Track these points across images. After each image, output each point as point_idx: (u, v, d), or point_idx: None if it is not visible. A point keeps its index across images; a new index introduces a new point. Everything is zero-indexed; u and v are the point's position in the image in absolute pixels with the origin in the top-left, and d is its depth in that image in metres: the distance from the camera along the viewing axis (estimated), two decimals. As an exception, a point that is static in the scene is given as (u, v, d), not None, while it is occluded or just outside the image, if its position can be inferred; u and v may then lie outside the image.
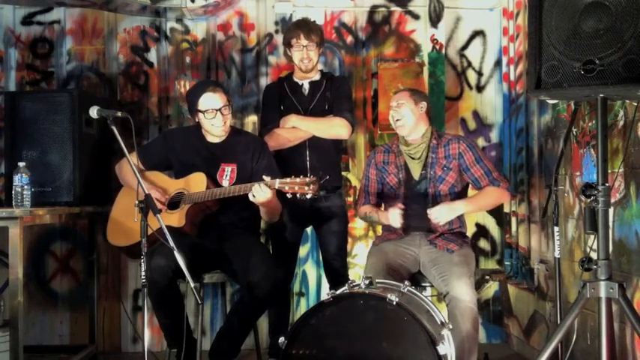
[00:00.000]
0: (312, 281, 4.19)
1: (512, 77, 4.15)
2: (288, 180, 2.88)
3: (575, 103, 2.94)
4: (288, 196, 2.91)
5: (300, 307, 4.16)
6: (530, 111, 3.96)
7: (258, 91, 4.13)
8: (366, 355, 2.45)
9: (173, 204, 3.15)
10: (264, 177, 2.93)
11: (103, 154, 3.73)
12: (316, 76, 3.55)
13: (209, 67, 4.20)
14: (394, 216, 3.05)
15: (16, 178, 3.05)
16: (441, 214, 3.00)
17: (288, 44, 3.50)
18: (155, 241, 2.76)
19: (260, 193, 2.92)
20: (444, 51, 4.21)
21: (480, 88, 4.32)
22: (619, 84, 2.29)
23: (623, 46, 2.27)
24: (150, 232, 2.62)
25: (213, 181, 3.18)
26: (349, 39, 4.26)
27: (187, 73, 4.20)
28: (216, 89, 3.19)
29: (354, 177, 4.23)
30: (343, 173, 4.14)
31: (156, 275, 2.87)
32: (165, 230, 2.57)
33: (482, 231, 4.26)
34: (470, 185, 3.26)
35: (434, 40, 4.19)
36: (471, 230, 4.13)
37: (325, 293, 2.68)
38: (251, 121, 4.18)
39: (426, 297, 2.76)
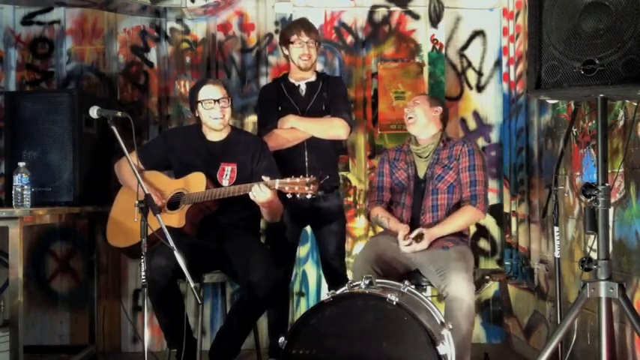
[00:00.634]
0: (312, 281, 4.19)
1: (512, 77, 4.15)
2: (288, 180, 2.88)
3: (575, 103, 2.94)
4: (289, 196, 2.91)
5: (300, 307, 4.16)
6: (530, 111, 3.96)
7: (259, 91, 4.13)
8: (366, 355, 2.46)
9: (172, 204, 3.15)
10: (263, 177, 2.93)
11: (103, 154, 3.73)
12: (312, 77, 3.55)
13: (209, 67, 4.19)
14: (402, 244, 3.07)
15: (16, 178, 3.05)
16: (417, 247, 3.04)
17: (287, 41, 3.49)
18: (155, 242, 2.76)
19: (260, 193, 2.92)
20: (444, 51, 4.21)
21: (479, 88, 4.32)
22: (619, 84, 2.29)
23: (623, 46, 2.27)
24: (150, 232, 2.62)
25: (213, 181, 3.18)
26: (349, 39, 4.26)
27: (187, 73, 4.20)
28: (216, 82, 3.27)
29: (354, 177, 4.23)
30: (343, 173, 4.15)
31: (156, 275, 2.87)
32: (166, 230, 2.58)
33: (482, 231, 4.26)
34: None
35: (434, 40, 4.19)
36: (471, 230, 4.12)
37: (325, 293, 2.68)
38: (251, 121, 4.18)
39: (426, 297, 2.77)
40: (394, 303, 2.42)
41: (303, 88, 3.54)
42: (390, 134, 4.21)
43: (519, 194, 4.07)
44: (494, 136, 4.31)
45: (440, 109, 3.31)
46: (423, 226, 3.14)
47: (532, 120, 3.92)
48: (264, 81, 4.16)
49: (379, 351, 2.44)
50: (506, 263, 4.17)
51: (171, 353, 3.10)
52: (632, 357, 2.68)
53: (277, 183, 2.90)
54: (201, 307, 3.47)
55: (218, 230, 3.19)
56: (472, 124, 4.31)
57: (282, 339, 2.48)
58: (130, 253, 3.24)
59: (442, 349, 2.38)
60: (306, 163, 3.42)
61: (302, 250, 4.15)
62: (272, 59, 4.21)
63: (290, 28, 3.52)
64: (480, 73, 4.31)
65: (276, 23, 4.20)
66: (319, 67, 4.21)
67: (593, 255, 2.48)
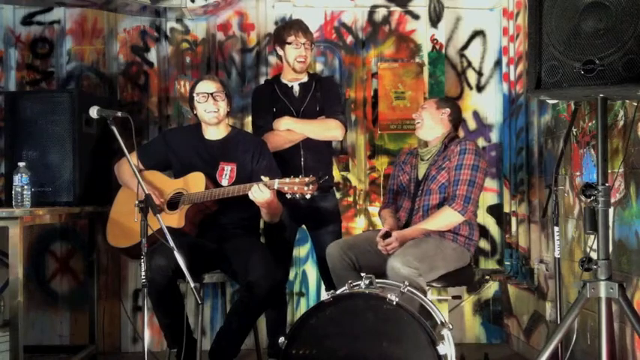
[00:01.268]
0: (312, 281, 4.19)
1: (512, 77, 4.15)
2: (287, 180, 2.88)
3: (575, 103, 2.94)
4: (288, 196, 2.91)
5: (300, 307, 4.16)
6: (530, 111, 3.96)
7: (253, 92, 4.14)
8: (366, 355, 2.46)
9: (172, 204, 3.15)
10: (262, 177, 2.93)
11: (103, 154, 3.72)
12: (305, 78, 3.55)
13: (209, 67, 4.19)
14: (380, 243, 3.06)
15: (16, 178, 3.05)
16: (388, 247, 3.00)
17: (283, 42, 3.48)
18: (155, 242, 2.76)
19: (259, 193, 2.92)
20: (444, 51, 4.21)
21: (480, 88, 4.32)
22: (619, 84, 2.29)
23: (623, 46, 2.27)
24: (150, 232, 2.62)
25: (213, 181, 3.17)
26: (349, 39, 4.26)
27: (187, 73, 4.20)
28: (211, 77, 3.32)
29: (354, 177, 4.23)
30: (343, 173, 4.16)
31: (156, 275, 2.86)
32: (166, 230, 2.58)
33: (482, 231, 4.25)
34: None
35: (434, 40, 4.19)
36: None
37: (325, 293, 2.68)
38: (251, 121, 4.17)
39: (426, 297, 2.76)
40: (394, 303, 2.42)
41: (296, 89, 3.53)
42: (390, 134, 4.21)
43: (519, 194, 4.07)
44: (494, 136, 4.31)
45: (447, 110, 3.30)
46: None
47: (532, 120, 3.92)
48: (263, 81, 4.16)
49: (379, 351, 2.44)
50: (506, 263, 4.17)
51: (171, 353, 3.10)
52: (632, 357, 2.68)
53: (276, 183, 2.90)
54: (201, 307, 3.46)
55: (218, 230, 3.19)
56: (472, 124, 4.32)
57: (282, 339, 2.49)
58: (131, 253, 3.24)
59: (442, 349, 2.38)
60: (302, 163, 3.43)
61: (302, 250, 4.15)
62: (272, 59, 4.21)
63: (287, 28, 3.51)
64: (480, 73, 4.32)
65: (276, 23, 4.20)
66: (319, 67, 4.22)
67: (593, 255, 2.48)
